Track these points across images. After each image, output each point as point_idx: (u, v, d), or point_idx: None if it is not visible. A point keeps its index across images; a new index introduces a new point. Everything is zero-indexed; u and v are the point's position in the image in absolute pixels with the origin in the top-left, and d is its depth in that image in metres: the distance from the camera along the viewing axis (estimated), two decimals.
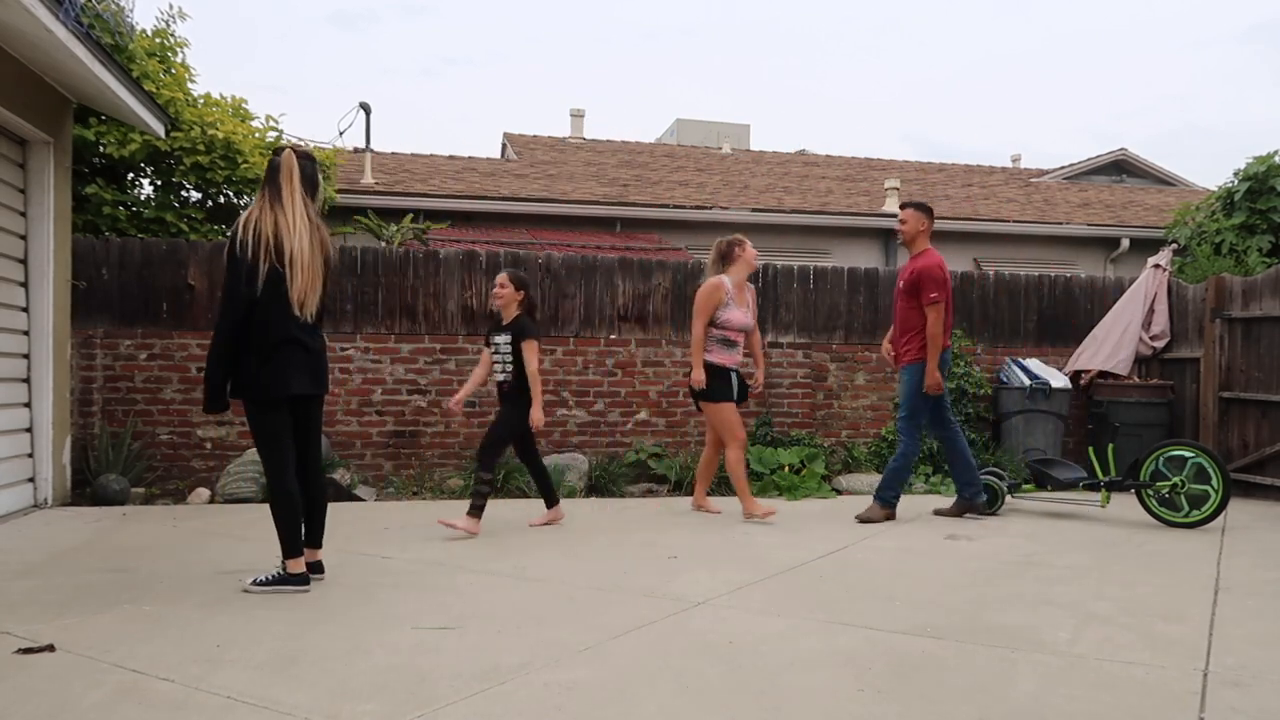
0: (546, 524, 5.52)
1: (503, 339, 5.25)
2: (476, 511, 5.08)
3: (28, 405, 5.88)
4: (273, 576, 3.83)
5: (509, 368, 5.23)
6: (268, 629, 3.28)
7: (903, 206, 5.97)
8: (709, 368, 5.69)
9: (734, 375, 5.80)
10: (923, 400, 5.77)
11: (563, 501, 5.65)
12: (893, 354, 6.00)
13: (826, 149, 22.27)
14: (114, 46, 6.81)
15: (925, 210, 5.90)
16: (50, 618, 3.37)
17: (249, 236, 3.74)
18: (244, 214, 3.85)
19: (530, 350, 5.16)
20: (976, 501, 5.94)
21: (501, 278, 5.29)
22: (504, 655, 3.03)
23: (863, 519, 5.75)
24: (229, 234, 3.90)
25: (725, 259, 5.82)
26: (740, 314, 5.76)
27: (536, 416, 5.17)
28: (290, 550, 3.83)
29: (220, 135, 7.54)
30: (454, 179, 12.68)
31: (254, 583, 3.82)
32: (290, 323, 3.80)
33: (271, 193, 3.83)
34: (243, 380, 3.82)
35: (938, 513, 6.06)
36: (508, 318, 5.29)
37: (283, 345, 3.79)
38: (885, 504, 5.85)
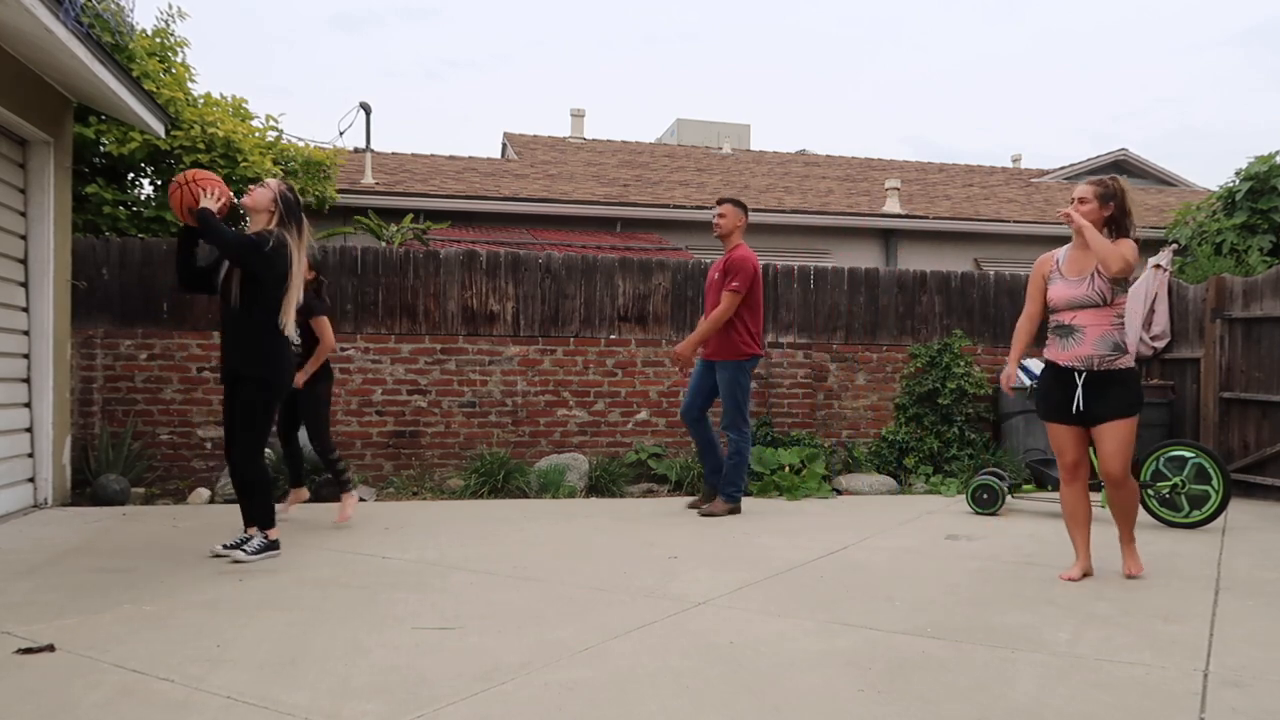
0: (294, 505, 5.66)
1: None
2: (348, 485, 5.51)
3: (28, 405, 5.87)
4: (260, 545, 4.35)
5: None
6: (268, 629, 3.28)
7: (720, 202, 6.00)
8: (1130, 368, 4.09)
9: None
10: (745, 393, 5.86)
11: (563, 501, 5.61)
12: (701, 353, 5.99)
13: (827, 149, 22.25)
14: (114, 46, 6.81)
15: (742, 207, 5.99)
16: (50, 618, 3.37)
17: (286, 266, 4.30)
18: (289, 239, 4.31)
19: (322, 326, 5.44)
20: (736, 503, 5.91)
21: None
22: (504, 655, 3.03)
23: (704, 513, 5.83)
24: (270, 238, 4.25)
25: (1125, 213, 3.99)
26: None
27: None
28: (270, 520, 4.45)
29: (220, 134, 7.54)
30: (454, 179, 12.67)
31: (248, 551, 4.28)
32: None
33: (297, 229, 4.39)
34: (267, 366, 4.35)
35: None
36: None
37: (288, 345, 4.49)
38: (730, 500, 5.88)
